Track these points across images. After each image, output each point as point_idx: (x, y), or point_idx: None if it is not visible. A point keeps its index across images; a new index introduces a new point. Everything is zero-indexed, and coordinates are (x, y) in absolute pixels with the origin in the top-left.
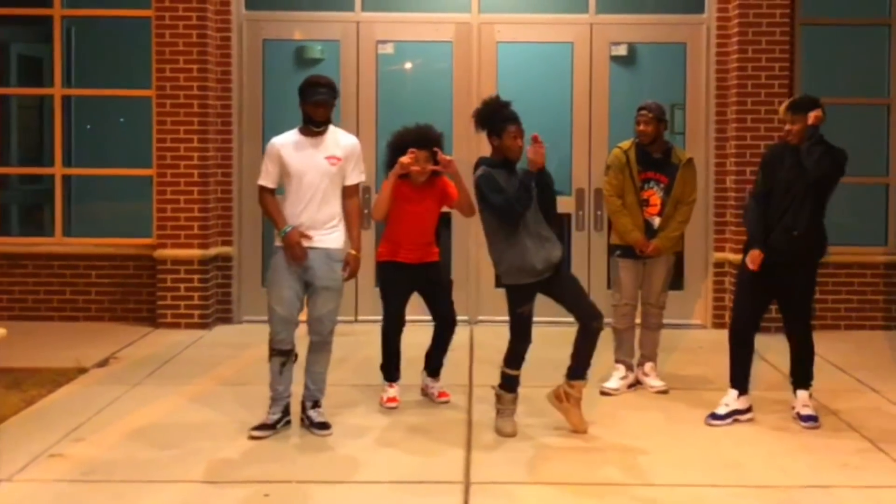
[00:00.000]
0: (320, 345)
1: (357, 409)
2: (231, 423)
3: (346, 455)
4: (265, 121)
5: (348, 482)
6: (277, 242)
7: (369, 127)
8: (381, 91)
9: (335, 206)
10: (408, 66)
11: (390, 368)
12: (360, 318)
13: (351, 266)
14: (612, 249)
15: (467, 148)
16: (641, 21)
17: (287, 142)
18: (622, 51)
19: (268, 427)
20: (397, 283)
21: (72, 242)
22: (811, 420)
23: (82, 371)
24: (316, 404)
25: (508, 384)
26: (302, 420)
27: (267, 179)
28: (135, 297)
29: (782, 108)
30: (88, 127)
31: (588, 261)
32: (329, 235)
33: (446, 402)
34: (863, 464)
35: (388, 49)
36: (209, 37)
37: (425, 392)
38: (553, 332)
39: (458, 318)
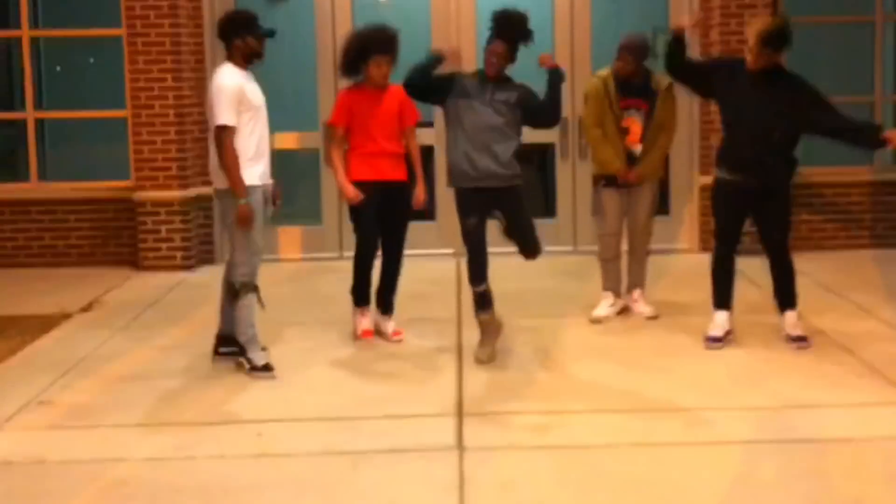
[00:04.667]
0: None
1: (349, 344)
2: (218, 365)
3: (339, 390)
4: None
5: (339, 419)
6: (254, 181)
7: None
8: (357, 23)
9: None
10: None
11: (362, 291)
12: (345, 254)
13: (279, 195)
14: (595, 180)
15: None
16: None
17: (242, 77)
18: None
19: (272, 366)
20: (366, 204)
21: (48, 188)
22: (801, 340)
23: (66, 317)
24: None
25: (476, 302)
26: (233, 352)
27: (233, 119)
28: (115, 240)
29: (755, 32)
30: (58, 69)
31: (573, 189)
32: None
33: (399, 342)
34: (855, 382)
35: None
36: None
37: (378, 331)
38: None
39: (445, 251)
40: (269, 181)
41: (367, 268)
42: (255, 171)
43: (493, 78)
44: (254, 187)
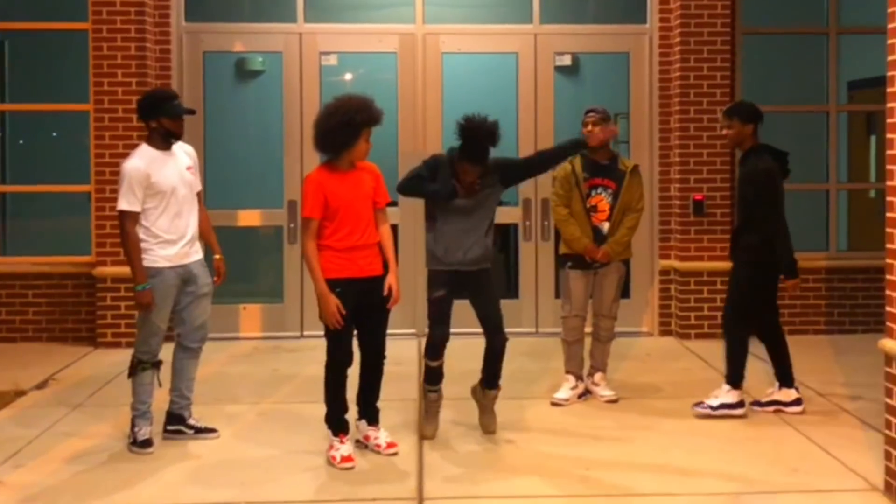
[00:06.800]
0: (198, 351)
1: (306, 426)
2: (174, 444)
3: (296, 472)
4: (206, 134)
5: (298, 501)
6: (162, 263)
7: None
8: (324, 103)
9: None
10: (352, 77)
11: (338, 418)
12: (305, 333)
13: (222, 270)
14: (562, 261)
15: (412, 159)
16: (585, 31)
17: (149, 161)
18: (566, 60)
19: (151, 443)
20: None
21: (7, 261)
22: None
23: (21, 394)
24: (190, 413)
25: (428, 377)
26: (179, 431)
27: (135, 204)
28: (73, 316)
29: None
30: (21, 142)
31: (535, 270)
32: (198, 243)
33: (395, 454)
34: (812, 468)
35: (332, 60)
36: (148, 49)
37: (366, 444)
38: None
39: (405, 331)
40: (189, 261)
41: (340, 387)
42: (166, 253)
43: None
44: (158, 269)
